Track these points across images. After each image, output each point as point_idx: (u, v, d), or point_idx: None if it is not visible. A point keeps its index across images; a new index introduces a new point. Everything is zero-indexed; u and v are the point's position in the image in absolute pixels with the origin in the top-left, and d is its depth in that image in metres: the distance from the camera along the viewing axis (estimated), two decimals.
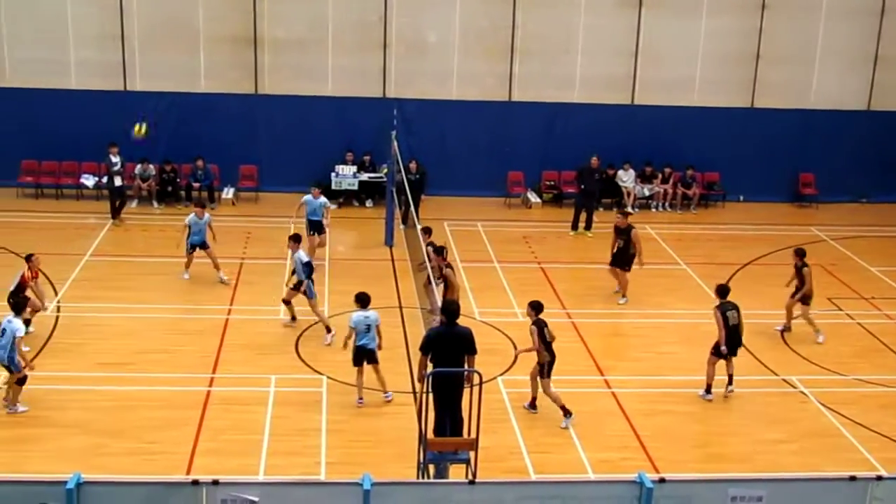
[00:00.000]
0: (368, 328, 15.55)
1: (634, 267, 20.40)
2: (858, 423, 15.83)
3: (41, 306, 17.76)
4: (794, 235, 25.61)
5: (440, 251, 18.51)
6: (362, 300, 15.68)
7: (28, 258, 17.78)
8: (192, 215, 20.69)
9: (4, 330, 14.90)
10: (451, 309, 13.20)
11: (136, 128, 22.47)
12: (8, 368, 14.97)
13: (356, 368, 15.71)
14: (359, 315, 15.57)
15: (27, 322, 16.82)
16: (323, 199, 21.73)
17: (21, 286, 17.22)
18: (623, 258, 20.45)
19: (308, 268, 18.08)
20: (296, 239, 18.57)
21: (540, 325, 15.44)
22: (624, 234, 20.38)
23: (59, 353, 16.89)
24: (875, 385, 17.28)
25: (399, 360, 17.14)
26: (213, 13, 26.58)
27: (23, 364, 14.94)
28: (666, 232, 25.81)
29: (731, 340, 16.32)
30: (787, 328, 19.21)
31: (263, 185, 27.09)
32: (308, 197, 21.63)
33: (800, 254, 19.00)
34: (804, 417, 16.06)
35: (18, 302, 15.46)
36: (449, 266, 18.32)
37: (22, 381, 14.96)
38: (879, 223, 27.14)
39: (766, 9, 28.03)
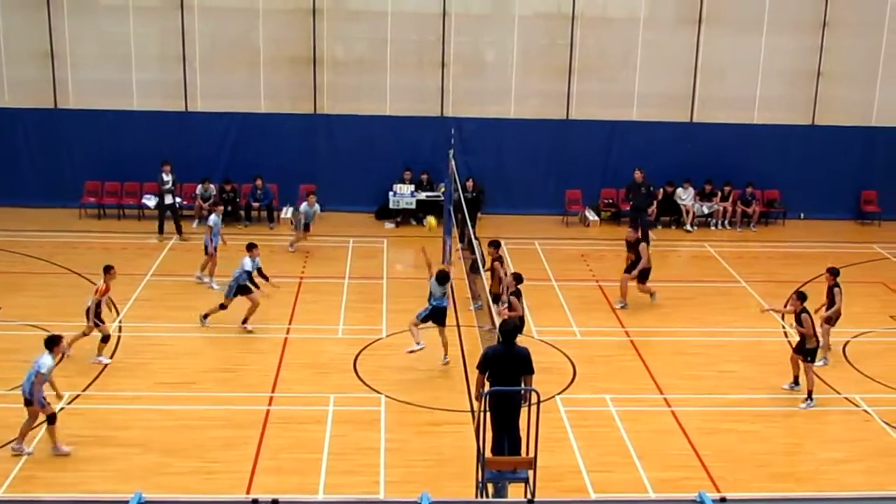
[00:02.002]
0: (444, 294, 17.40)
1: (680, 283, 20.42)
2: None
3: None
4: (855, 253, 25.28)
5: (495, 244, 19.69)
6: (441, 276, 17.37)
7: (106, 270, 18.00)
8: (213, 215, 21.68)
9: (33, 364, 14.40)
10: (507, 328, 13.18)
11: (430, 223, 22.86)
12: (27, 402, 14.38)
13: (418, 322, 17.37)
14: (435, 283, 17.39)
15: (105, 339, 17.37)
16: (317, 206, 24.15)
17: (97, 300, 17.51)
18: (633, 267, 20.87)
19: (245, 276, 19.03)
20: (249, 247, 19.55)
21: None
22: (633, 247, 20.84)
23: (121, 373, 17.12)
24: None
25: (457, 378, 17.18)
26: (273, 34, 26.94)
27: (46, 402, 14.49)
28: (725, 250, 25.59)
29: (817, 338, 16.75)
30: (825, 345, 18.81)
31: (322, 204, 27.22)
32: (305, 205, 23.72)
33: (833, 273, 18.63)
34: (868, 437, 15.80)
35: (53, 338, 14.75)
36: (510, 277, 18.81)
37: (52, 419, 14.49)
38: None
39: (827, 26, 27.75)
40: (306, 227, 23.99)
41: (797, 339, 17.00)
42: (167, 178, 24.72)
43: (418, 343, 17.25)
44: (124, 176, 26.87)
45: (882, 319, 20.62)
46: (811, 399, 16.29)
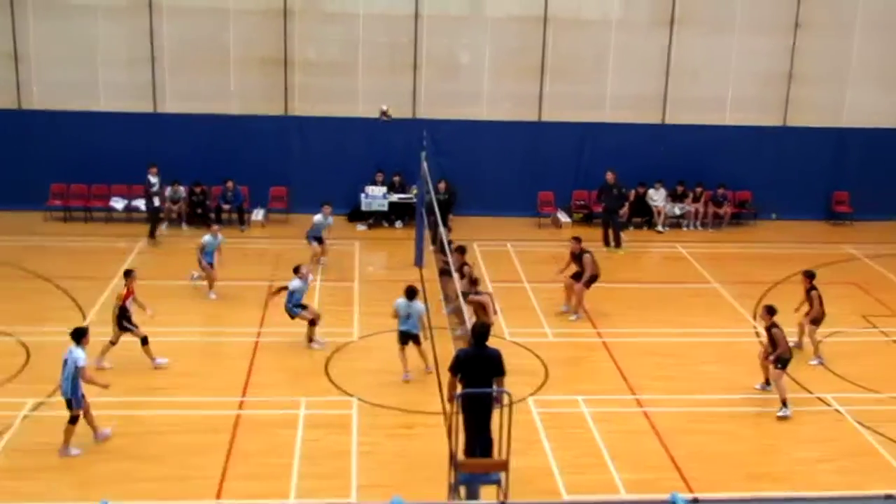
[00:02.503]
0: (409, 316, 16.96)
1: (652, 284, 20.37)
2: (895, 440, 15.61)
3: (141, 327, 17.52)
4: (827, 254, 25.41)
5: (461, 250, 19.66)
6: (409, 292, 17.02)
7: (127, 274, 17.84)
8: (207, 236, 21.13)
9: (66, 361, 14.39)
10: (480, 331, 13.15)
11: (384, 111, 22.48)
12: (69, 404, 14.44)
13: (400, 347, 17.16)
14: (402, 301, 17.02)
15: (145, 339, 17.31)
16: (331, 219, 23.45)
17: (122, 307, 17.36)
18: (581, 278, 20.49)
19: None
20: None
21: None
22: (577, 259, 20.45)
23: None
24: None
25: (429, 380, 17.14)
26: (243, 34, 26.79)
27: (85, 401, 14.56)
28: (698, 251, 25.66)
29: (790, 350, 16.70)
30: (798, 345, 18.90)
31: (294, 206, 27.19)
32: (320, 216, 22.99)
33: (809, 276, 18.73)
34: (840, 436, 15.87)
35: (79, 330, 14.70)
36: (475, 282, 18.72)
37: (74, 420, 14.48)
38: None
39: (799, 27, 27.92)
40: (318, 241, 23.11)
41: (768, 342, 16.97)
42: (154, 180, 24.56)
43: (407, 373, 17.17)
44: (91, 178, 26.61)
45: (855, 320, 20.73)
46: (786, 407, 16.28)
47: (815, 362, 18.37)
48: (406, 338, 17.20)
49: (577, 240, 20.70)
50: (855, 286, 23.01)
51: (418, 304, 17.18)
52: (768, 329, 16.67)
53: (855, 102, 28.51)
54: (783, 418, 16.18)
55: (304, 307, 18.72)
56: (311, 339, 18.54)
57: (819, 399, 17.06)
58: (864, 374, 18.06)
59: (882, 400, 17.15)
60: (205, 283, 21.01)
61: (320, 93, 27.16)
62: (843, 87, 28.47)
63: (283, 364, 17.82)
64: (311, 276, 19.30)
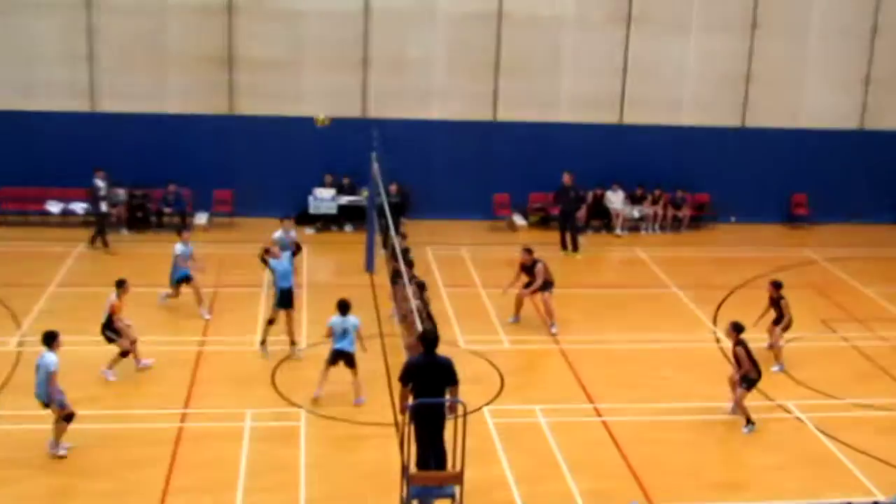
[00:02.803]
0: (345, 332, 16.33)
1: (610, 289, 20.36)
2: (854, 447, 15.79)
3: (133, 337, 17.53)
4: (786, 257, 25.70)
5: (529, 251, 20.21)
6: (341, 306, 16.43)
7: (119, 284, 17.63)
8: (178, 244, 20.45)
9: (38, 366, 14.65)
10: (429, 338, 13.10)
11: (319, 117, 21.91)
12: (46, 405, 14.65)
13: (326, 366, 16.49)
14: (336, 318, 16.39)
15: (125, 354, 17.29)
16: (293, 232, 21.43)
17: (111, 316, 17.23)
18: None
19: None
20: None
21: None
22: (529, 270, 20.26)
23: (21, 391, 16.38)
24: (871, 409, 17.26)
25: (380, 390, 17.03)
26: (185, 32, 26.52)
27: (65, 402, 14.67)
28: (657, 255, 25.82)
29: (758, 370, 16.48)
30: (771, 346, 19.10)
31: (239, 210, 26.98)
32: (280, 232, 20.93)
33: (776, 286, 18.88)
34: (800, 443, 16.03)
35: (50, 334, 14.87)
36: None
37: (69, 418, 14.62)
38: (872, 244, 27.28)
39: (756, 28, 28.20)
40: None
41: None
42: (101, 184, 24.23)
43: (319, 389, 16.58)
44: (26, 180, 26.17)
45: (813, 324, 20.96)
46: (751, 423, 16.34)
47: (776, 369, 18.53)
48: (337, 357, 16.47)
49: (529, 251, 20.47)
50: (814, 290, 23.27)
51: (352, 318, 16.52)
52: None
53: (812, 104, 28.84)
54: (750, 432, 16.24)
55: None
56: (264, 342, 18.44)
57: (780, 406, 17.20)
58: (823, 380, 18.27)
59: (841, 406, 17.35)
60: (172, 300, 20.53)
61: (266, 91, 26.97)
62: (800, 89, 28.78)
63: (227, 374, 17.66)
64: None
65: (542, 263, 20.28)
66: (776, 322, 18.83)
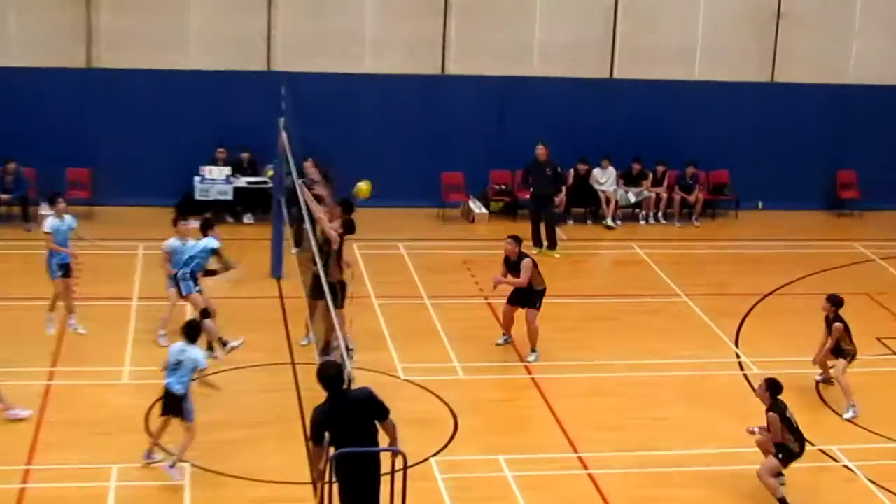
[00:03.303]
0: (178, 365, 15.66)
1: (599, 299, 20.35)
2: None
3: None
4: (831, 254, 25.95)
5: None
6: (187, 331, 15.95)
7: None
8: (50, 218, 20.14)
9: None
10: (327, 374, 12.93)
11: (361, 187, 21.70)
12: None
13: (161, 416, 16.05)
14: (175, 346, 15.93)
15: None
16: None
17: None
18: (524, 295, 20.10)
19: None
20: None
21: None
22: (514, 267, 20.06)
23: None
24: None
25: (291, 436, 16.89)
26: None
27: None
28: (659, 252, 25.97)
29: (801, 442, 15.88)
30: (826, 380, 19.23)
31: (99, 196, 26.83)
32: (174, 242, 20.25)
33: (834, 303, 18.87)
34: (851, 501, 16.07)
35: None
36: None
37: None
38: None
39: None
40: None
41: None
42: None
43: (150, 453, 16.33)
44: None
45: (867, 343, 21.01)
46: (781, 474, 16.16)
47: (849, 415, 18.37)
48: (166, 403, 15.88)
49: (516, 240, 20.30)
50: (867, 297, 23.43)
51: (195, 351, 15.86)
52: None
53: (864, 52, 29.16)
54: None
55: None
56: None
57: (822, 452, 17.26)
58: (880, 417, 18.35)
59: None
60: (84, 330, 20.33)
61: (137, 38, 26.89)
62: (847, 33, 29.07)
63: (85, 416, 17.46)
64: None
65: (531, 260, 20.21)
66: (837, 352, 18.79)
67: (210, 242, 19.03)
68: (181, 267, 19.21)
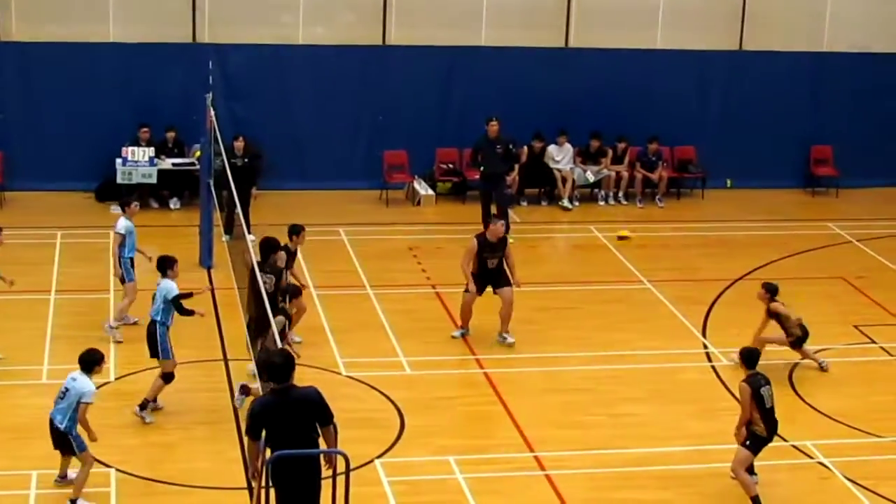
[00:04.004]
0: (63, 394, 15.16)
1: (556, 286, 20.53)
2: None
3: None
4: (804, 235, 26.17)
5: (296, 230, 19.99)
6: (86, 361, 15.30)
7: None
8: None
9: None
10: (276, 363, 12.99)
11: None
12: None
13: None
14: (70, 376, 15.30)
15: None
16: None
17: None
18: (500, 278, 20.41)
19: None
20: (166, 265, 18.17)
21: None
22: (498, 249, 20.29)
23: None
24: None
25: (225, 438, 16.97)
26: None
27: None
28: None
29: (769, 425, 15.95)
30: (823, 367, 19.71)
31: (10, 181, 26.75)
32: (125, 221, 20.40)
33: (769, 290, 19.26)
34: (827, 500, 16.23)
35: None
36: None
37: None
38: None
39: None
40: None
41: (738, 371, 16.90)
42: None
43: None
44: None
45: (844, 331, 21.28)
46: (754, 473, 16.32)
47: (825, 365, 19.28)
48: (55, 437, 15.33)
49: (499, 222, 20.51)
50: (843, 281, 23.67)
51: (85, 382, 15.08)
52: (740, 382, 15.90)
53: (839, 17, 29.35)
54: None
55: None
56: None
57: (796, 448, 17.42)
58: (857, 410, 18.54)
59: (882, 446, 17.61)
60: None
61: (51, 8, 26.80)
62: None
63: (0, 420, 17.45)
64: None
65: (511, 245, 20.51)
66: (795, 343, 19.23)
67: (168, 289, 17.76)
68: (132, 252, 19.39)
